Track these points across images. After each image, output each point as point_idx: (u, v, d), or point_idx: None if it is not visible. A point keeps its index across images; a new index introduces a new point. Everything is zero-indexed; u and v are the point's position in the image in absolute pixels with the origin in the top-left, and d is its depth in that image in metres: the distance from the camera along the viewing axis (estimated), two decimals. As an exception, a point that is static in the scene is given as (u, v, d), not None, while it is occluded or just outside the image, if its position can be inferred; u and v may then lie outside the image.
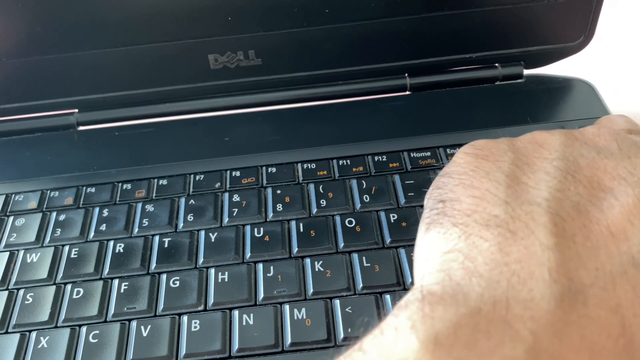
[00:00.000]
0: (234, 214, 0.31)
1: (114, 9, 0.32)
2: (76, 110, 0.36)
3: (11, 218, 0.32)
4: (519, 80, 0.36)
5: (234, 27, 0.33)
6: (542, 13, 0.34)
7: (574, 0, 0.33)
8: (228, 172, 0.33)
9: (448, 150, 0.33)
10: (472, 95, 0.36)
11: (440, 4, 0.33)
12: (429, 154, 0.33)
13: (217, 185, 0.32)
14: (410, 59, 0.35)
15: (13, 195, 0.33)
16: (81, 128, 0.36)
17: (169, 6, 0.32)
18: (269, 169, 0.33)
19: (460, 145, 0.32)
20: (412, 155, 0.33)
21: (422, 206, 0.30)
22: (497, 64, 0.36)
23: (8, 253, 0.30)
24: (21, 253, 0.30)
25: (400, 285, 0.27)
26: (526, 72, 0.36)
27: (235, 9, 0.33)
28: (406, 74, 0.36)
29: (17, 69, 0.34)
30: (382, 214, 0.30)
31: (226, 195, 0.32)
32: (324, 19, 0.33)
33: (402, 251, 0.28)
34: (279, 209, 0.31)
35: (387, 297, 0.27)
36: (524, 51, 0.36)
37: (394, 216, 0.30)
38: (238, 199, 0.32)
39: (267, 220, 0.31)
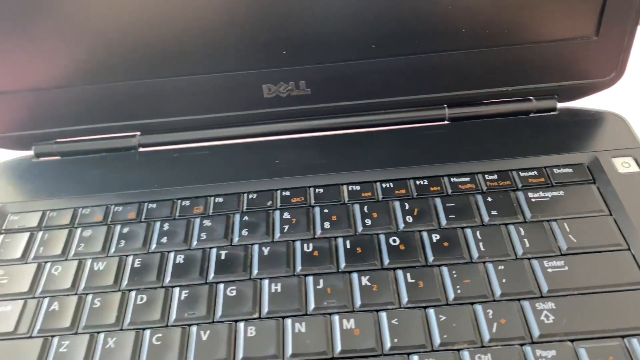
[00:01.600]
0: (285, 230, 0.33)
1: (178, 42, 0.35)
2: (138, 133, 0.39)
3: (79, 229, 0.34)
4: (552, 113, 0.38)
5: (288, 60, 0.36)
6: (576, 50, 0.36)
7: (606, 39, 0.36)
8: (278, 191, 0.35)
9: (486, 176, 0.35)
10: (508, 125, 0.38)
11: (479, 41, 0.36)
12: (468, 179, 0.35)
13: (269, 203, 0.35)
14: (449, 91, 0.38)
15: (80, 209, 0.35)
16: (142, 150, 0.39)
17: (229, 40, 0.35)
18: (317, 190, 0.35)
19: (497, 172, 0.34)
20: (452, 180, 0.35)
21: (463, 228, 0.32)
22: (531, 97, 0.38)
23: (77, 261, 0.33)
24: (88, 262, 0.33)
25: (443, 301, 0.29)
26: (560, 105, 0.38)
27: (290, 44, 0.35)
28: (445, 105, 0.38)
29: (88, 94, 0.37)
30: (425, 234, 0.32)
31: (277, 212, 0.34)
32: (370, 53, 0.36)
33: (445, 269, 0.30)
34: (327, 226, 0.33)
35: (432, 311, 0.29)
36: (558, 85, 0.38)
37: (436, 236, 0.32)
38: (288, 217, 0.34)
39: (316, 236, 0.33)
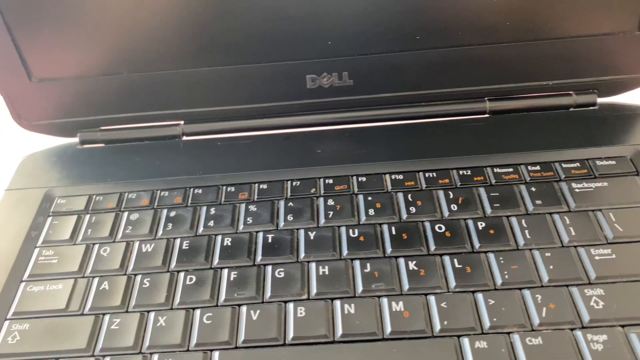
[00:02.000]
0: (330, 216, 0.33)
1: (223, 32, 0.36)
2: (182, 122, 0.40)
3: (126, 213, 0.35)
4: (593, 108, 0.39)
5: (332, 51, 0.37)
6: (617, 44, 0.37)
7: (648, 34, 0.36)
8: (322, 179, 0.36)
9: (529, 167, 0.35)
10: (548, 119, 0.38)
11: (521, 35, 0.36)
12: (511, 170, 0.35)
13: (313, 190, 0.35)
14: (490, 84, 0.38)
15: (126, 194, 0.36)
16: (186, 138, 0.40)
17: (274, 30, 0.36)
18: (360, 178, 0.36)
19: (540, 164, 0.35)
20: (495, 170, 0.35)
21: (508, 216, 0.32)
22: (571, 92, 0.39)
23: (125, 243, 0.33)
24: (136, 244, 0.33)
25: (491, 286, 0.29)
26: (600, 100, 0.39)
27: (334, 35, 0.36)
28: (486, 98, 0.39)
29: (133, 82, 0.38)
30: (470, 222, 0.32)
31: (321, 199, 0.35)
32: (413, 45, 0.37)
33: (492, 256, 0.30)
34: (371, 213, 0.33)
35: (480, 295, 0.29)
36: (598, 80, 0.38)
37: (481, 224, 0.32)
38: (332, 203, 0.34)
39: (360, 223, 0.33)
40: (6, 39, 0.35)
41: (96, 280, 0.31)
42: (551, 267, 0.30)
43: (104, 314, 0.30)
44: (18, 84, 0.37)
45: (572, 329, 0.27)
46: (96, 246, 0.33)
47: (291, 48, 0.37)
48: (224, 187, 0.36)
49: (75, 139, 0.40)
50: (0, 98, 0.38)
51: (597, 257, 0.30)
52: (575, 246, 0.31)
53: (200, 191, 0.36)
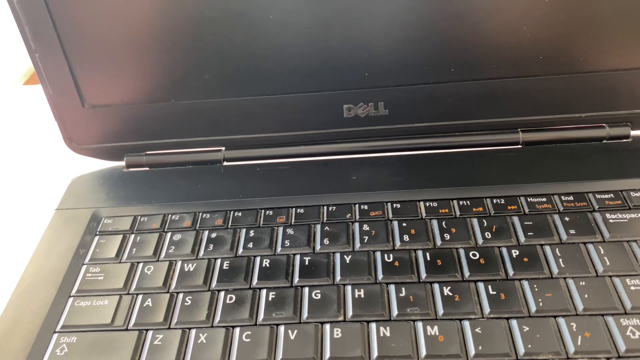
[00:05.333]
0: (365, 241, 0.34)
1: (266, 63, 0.38)
2: (223, 148, 0.41)
3: (169, 234, 0.36)
4: (626, 140, 0.39)
5: (369, 82, 0.38)
6: (650, 79, 0.37)
7: (681, 69, 0.37)
8: (357, 205, 0.37)
9: (562, 197, 0.35)
10: (581, 150, 0.39)
11: (554, 68, 0.37)
12: (544, 199, 0.35)
13: (348, 215, 0.36)
14: (523, 116, 0.39)
15: (169, 215, 0.38)
16: (226, 163, 0.41)
17: (315, 62, 0.38)
18: (394, 205, 0.37)
19: (573, 194, 0.35)
20: (528, 199, 0.36)
21: (542, 245, 0.33)
22: (605, 125, 0.39)
23: (168, 262, 0.35)
24: (179, 263, 0.34)
25: (525, 313, 0.30)
26: (634, 132, 0.39)
27: (371, 66, 0.38)
28: (519, 129, 0.39)
29: (178, 110, 0.40)
30: (504, 250, 0.33)
31: (356, 225, 0.36)
32: (448, 77, 0.38)
33: (526, 283, 0.31)
34: (406, 239, 0.34)
35: (514, 322, 0.29)
36: (631, 113, 0.39)
37: (515, 252, 0.33)
38: (367, 229, 0.35)
39: (395, 248, 0.34)
40: (64, 67, 0.38)
41: (140, 297, 0.33)
42: (586, 295, 0.30)
43: (147, 330, 0.31)
44: (72, 110, 0.40)
45: (608, 358, 0.27)
46: (140, 265, 0.35)
47: (329, 79, 0.38)
48: (263, 211, 0.37)
49: (122, 163, 0.42)
50: (50, 122, 0.41)
51: (632, 287, 0.30)
52: (610, 276, 0.31)
53: (240, 214, 0.37)
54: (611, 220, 0.34)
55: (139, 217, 0.38)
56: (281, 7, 0.35)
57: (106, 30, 0.36)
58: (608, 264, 0.31)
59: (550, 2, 0.35)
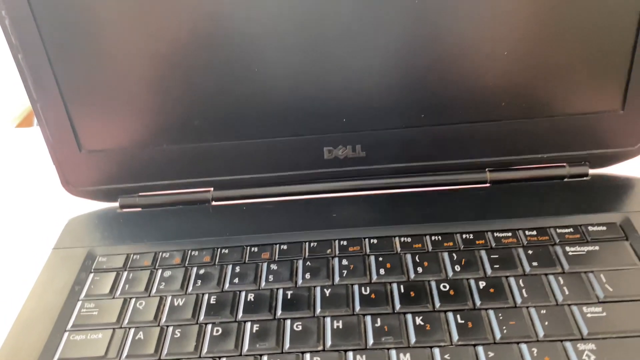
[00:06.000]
0: (344, 275, 0.37)
1: (251, 111, 0.41)
2: (212, 189, 0.44)
3: (160, 270, 0.39)
4: (585, 178, 0.42)
5: (347, 126, 0.41)
6: (604, 122, 0.41)
7: (632, 112, 0.40)
8: (337, 241, 0.39)
9: (526, 232, 0.38)
10: (544, 188, 0.42)
11: (516, 113, 0.40)
12: (510, 234, 0.38)
13: (329, 251, 0.39)
14: (490, 157, 0.42)
15: (160, 253, 0.40)
16: (215, 203, 0.44)
17: (297, 109, 0.41)
18: (371, 240, 0.39)
19: (536, 229, 0.38)
20: (495, 234, 0.38)
21: (507, 277, 0.35)
22: (565, 164, 0.42)
23: (158, 297, 0.37)
24: (169, 298, 0.37)
25: (491, 340, 0.32)
26: (592, 171, 0.42)
27: (349, 113, 0.41)
28: (487, 169, 0.43)
29: (169, 153, 0.42)
30: (472, 282, 0.35)
31: (336, 259, 0.38)
32: (419, 122, 0.41)
33: (492, 312, 0.33)
34: (382, 273, 0.37)
35: (481, 348, 0.31)
36: (589, 153, 0.42)
37: (482, 283, 0.35)
38: (346, 263, 0.38)
39: (372, 281, 0.36)
40: (63, 116, 0.41)
41: (132, 330, 0.35)
42: (546, 323, 0.32)
43: (138, 362, 0.33)
44: (69, 155, 0.42)
45: (566, 381, 0.30)
46: (133, 300, 0.37)
47: (310, 124, 0.41)
48: (248, 248, 0.39)
49: (116, 204, 0.44)
50: (46, 165, 0.43)
51: (589, 315, 0.32)
52: (568, 304, 0.33)
53: (226, 251, 0.39)
54: (570, 253, 0.36)
55: (132, 255, 0.40)
56: (265, 61, 0.39)
57: (103, 82, 0.39)
58: (567, 293, 0.34)
59: (510, 55, 0.38)
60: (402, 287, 0.36)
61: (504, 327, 0.32)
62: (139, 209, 0.45)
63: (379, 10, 0.37)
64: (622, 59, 0.38)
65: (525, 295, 0.34)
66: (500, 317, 0.33)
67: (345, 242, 0.39)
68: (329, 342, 0.33)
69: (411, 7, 0.37)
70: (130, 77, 0.39)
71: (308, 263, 0.38)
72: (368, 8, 0.37)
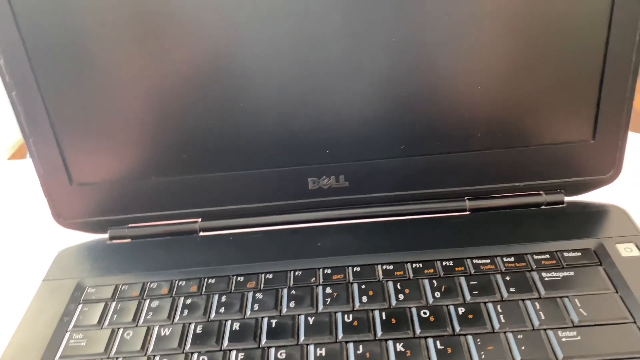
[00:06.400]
0: (327, 303, 0.38)
1: (237, 143, 0.42)
2: (199, 219, 0.45)
3: (147, 301, 0.39)
4: (560, 205, 0.44)
5: (330, 158, 0.43)
6: (577, 151, 0.42)
7: (602, 142, 0.42)
8: (321, 269, 0.40)
9: (504, 258, 0.39)
10: (522, 215, 0.43)
11: (492, 143, 0.42)
12: (488, 261, 0.39)
13: (313, 279, 0.40)
14: (469, 185, 0.44)
15: (148, 283, 0.41)
16: (202, 234, 0.45)
17: (282, 141, 0.42)
18: (354, 269, 0.40)
19: (514, 255, 0.39)
20: (474, 261, 0.39)
21: (485, 302, 0.36)
22: (541, 192, 0.44)
23: (146, 327, 0.37)
24: (156, 328, 0.37)
25: (470, 365, 0.33)
26: (567, 198, 0.44)
27: (332, 145, 0.42)
28: (466, 198, 0.44)
29: (161, 185, 0.44)
30: (452, 308, 0.36)
31: (320, 288, 0.39)
32: (399, 153, 0.43)
33: (470, 338, 0.34)
34: (364, 300, 0.38)
35: (459, 373, 0.32)
36: (564, 182, 0.43)
37: (462, 309, 0.36)
38: (330, 291, 0.38)
39: (355, 309, 0.37)
40: (55, 151, 0.42)
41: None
42: (523, 347, 0.33)
43: (125, 391, 0.34)
44: (60, 188, 0.43)
45: (541, 404, 0.31)
46: (121, 330, 0.37)
47: (295, 156, 0.43)
48: (235, 277, 0.40)
49: (105, 235, 0.45)
50: (37, 197, 0.44)
51: (564, 339, 0.33)
52: (544, 329, 0.34)
53: (213, 281, 0.40)
54: (546, 279, 0.37)
55: (120, 286, 0.41)
56: (251, 96, 0.40)
57: (93, 117, 0.41)
58: (543, 318, 0.35)
59: (484, 90, 0.40)
60: (383, 314, 0.36)
61: (482, 352, 0.33)
62: (128, 240, 0.45)
63: (360, 48, 0.39)
64: (590, 93, 0.40)
65: (502, 320, 0.35)
66: (479, 342, 0.34)
67: (329, 271, 0.40)
68: (312, 370, 0.34)
69: (390, 46, 0.39)
70: (121, 113, 0.41)
71: (293, 292, 0.39)
72: (349, 46, 0.39)
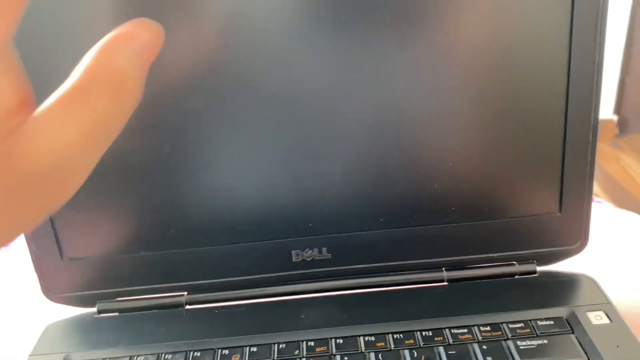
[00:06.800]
0: (311, 376, 0.39)
1: (221, 219, 0.44)
2: (185, 293, 0.46)
3: (134, 375, 0.40)
4: (533, 275, 0.46)
5: (313, 231, 0.45)
6: (545, 223, 0.45)
7: (568, 214, 0.44)
8: (304, 342, 0.41)
9: (481, 328, 0.41)
10: (497, 285, 0.45)
11: (465, 217, 0.45)
12: (466, 330, 0.41)
13: (296, 352, 0.41)
14: (445, 257, 0.46)
15: (135, 357, 0.41)
16: (188, 307, 0.46)
17: (265, 216, 0.44)
18: (337, 340, 0.41)
19: (490, 325, 0.41)
20: (452, 331, 0.41)
21: (463, 371, 0.38)
22: (514, 262, 0.46)
23: (131, 403, 0.38)
24: (141, 403, 0.38)
25: None
26: (539, 268, 0.46)
27: (314, 218, 0.44)
28: (443, 269, 0.46)
29: (148, 260, 0.45)
30: (431, 377, 0.38)
31: (304, 360, 0.40)
32: (378, 225, 0.45)
33: (449, 407, 0.35)
34: (347, 372, 0.39)
35: None
36: (535, 252, 0.46)
37: (440, 379, 0.37)
38: (313, 364, 0.40)
39: (338, 381, 0.38)
40: (47, 226, 0.43)
41: None
42: (500, 417, 0.34)
43: None
44: (51, 263, 0.45)
45: None
46: (106, 406, 0.38)
47: (278, 230, 0.45)
48: (220, 350, 0.41)
49: (94, 309, 0.46)
50: (27, 273, 0.45)
51: (539, 408, 0.35)
52: (521, 398, 0.36)
53: (199, 354, 0.41)
54: (521, 347, 0.39)
55: (107, 360, 0.42)
56: (236, 175, 0.43)
57: (85, 197, 0.43)
58: (519, 387, 0.36)
59: (454, 167, 0.43)
60: (366, 385, 0.38)
61: (461, 422, 0.34)
62: (116, 314, 0.46)
63: (340, 131, 0.42)
64: (554, 171, 0.43)
65: (480, 389, 0.36)
66: (458, 413, 0.35)
67: (312, 343, 0.41)
68: None
69: (368, 128, 0.42)
70: (111, 192, 0.43)
71: (277, 364, 0.40)
72: (329, 128, 0.42)
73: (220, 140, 0.42)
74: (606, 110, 2.46)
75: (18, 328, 0.49)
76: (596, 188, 2.16)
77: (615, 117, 2.48)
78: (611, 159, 2.36)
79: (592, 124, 0.42)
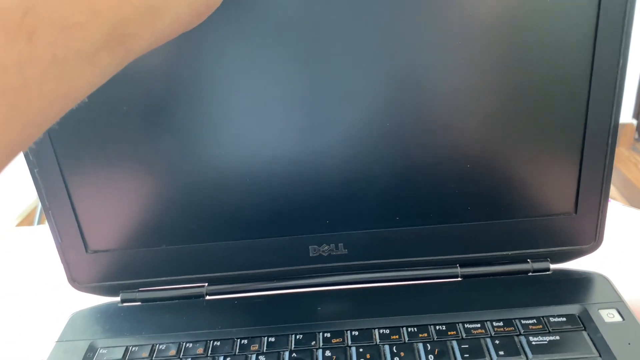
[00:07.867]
0: (327, 366, 0.40)
1: (242, 215, 0.46)
2: (206, 284, 0.48)
3: (156, 362, 0.42)
4: (547, 273, 0.46)
5: (330, 227, 0.46)
6: (561, 223, 0.45)
7: (584, 215, 0.45)
8: (321, 333, 0.43)
9: (494, 323, 0.42)
10: (510, 282, 0.46)
11: (481, 216, 0.45)
12: (479, 325, 0.42)
13: (313, 343, 0.42)
14: (460, 254, 0.47)
15: (158, 345, 0.43)
16: (208, 297, 0.48)
17: (285, 213, 0.45)
18: (353, 332, 0.42)
19: (503, 320, 0.41)
20: (465, 326, 0.42)
21: (475, 365, 0.38)
22: (528, 260, 0.47)
23: (154, 388, 0.39)
24: (164, 388, 0.39)
25: None
26: (552, 266, 0.46)
27: (331, 216, 0.46)
28: (458, 265, 0.47)
29: (171, 253, 0.47)
30: (444, 370, 0.39)
31: (320, 351, 0.41)
32: (394, 223, 0.46)
33: (461, 399, 0.36)
34: (362, 363, 0.40)
35: None
36: (549, 251, 0.46)
37: (453, 372, 0.38)
38: (329, 354, 0.41)
39: (353, 371, 0.39)
40: (72, 221, 0.45)
41: (128, 420, 0.37)
42: (512, 409, 0.35)
43: None
44: (77, 255, 0.46)
45: None
46: (130, 391, 0.39)
47: (297, 226, 0.46)
48: (239, 340, 0.43)
49: (117, 298, 0.48)
50: (50, 262, 0.47)
51: (550, 401, 0.35)
52: (532, 391, 0.36)
53: (218, 343, 0.42)
54: (534, 343, 0.40)
55: (131, 347, 0.43)
56: (257, 173, 0.44)
57: (110, 192, 0.44)
58: (531, 381, 0.37)
59: (472, 168, 0.43)
60: (380, 376, 0.39)
61: (473, 414, 0.35)
62: (139, 303, 0.48)
63: (358, 134, 0.43)
64: (571, 173, 0.43)
65: (492, 382, 0.37)
66: (470, 404, 0.36)
67: (328, 334, 0.42)
68: None
69: (386, 130, 0.42)
70: (135, 190, 0.44)
71: (294, 354, 0.41)
72: (349, 131, 0.43)
73: (244, 138, 0.43)
74: (626, 114, 2.44)
75: (46, 315, 0.51)
76: (613, 191, 2.15)
77: (634, 122, 2.46)
78: (629, 163, 2.34)
79: (611, 126, 0.42)
